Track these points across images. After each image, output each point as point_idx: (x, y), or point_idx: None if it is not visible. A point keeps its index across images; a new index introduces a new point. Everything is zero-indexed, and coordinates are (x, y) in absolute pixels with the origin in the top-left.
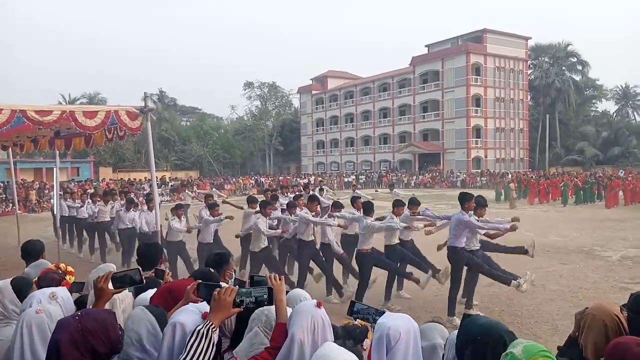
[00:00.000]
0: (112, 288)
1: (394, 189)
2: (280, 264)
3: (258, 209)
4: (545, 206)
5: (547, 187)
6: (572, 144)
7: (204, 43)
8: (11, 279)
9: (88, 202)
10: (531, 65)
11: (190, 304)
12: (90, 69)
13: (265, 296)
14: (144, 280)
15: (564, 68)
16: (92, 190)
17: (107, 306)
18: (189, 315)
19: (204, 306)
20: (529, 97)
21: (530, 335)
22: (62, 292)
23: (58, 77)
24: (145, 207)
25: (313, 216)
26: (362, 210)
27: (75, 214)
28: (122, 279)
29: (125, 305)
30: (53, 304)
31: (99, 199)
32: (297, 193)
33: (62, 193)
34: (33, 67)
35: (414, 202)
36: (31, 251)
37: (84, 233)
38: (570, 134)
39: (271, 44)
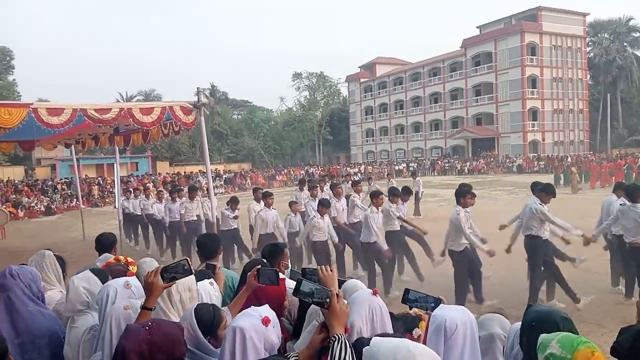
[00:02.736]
0: (162, 282)
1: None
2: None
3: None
4: (608, 190)
5: (610, 170)
6: (636, 124)
7: (251, 35)
8: (88, 269)
9: (167, 199)
10: (590, 43)
11: (252, 307)
12: (145, 67)
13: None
14: (193, 271)
15: (625, 44)
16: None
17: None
18: (250, 320)
19: (266, 310)
20: (588, 76)
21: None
22: (134, 281)
23: (115, 76)
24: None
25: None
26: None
27: (156, 213)
28: (172, 272)
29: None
30: (129, 294)
31: (177, 195)
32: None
33: (130, 190)
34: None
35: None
36: (105, 243)
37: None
38: (634, 114)
39: (320, 32)
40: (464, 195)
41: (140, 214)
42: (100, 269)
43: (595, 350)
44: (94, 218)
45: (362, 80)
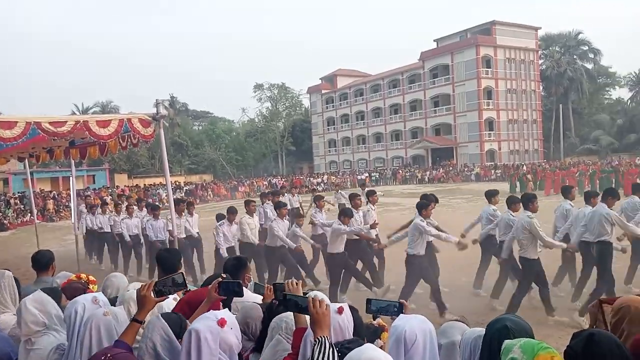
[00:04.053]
0: (154, 296)
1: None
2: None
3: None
4: (561, 197)
5: (563, 177)
6: (586, 133)
7: (212, 46)
8: (39, 289)
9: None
10: (542, 56)
11: (211, 311)
12: (101, 77)
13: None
14: (187, 285)
15: (575, 57)
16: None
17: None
18: (205, 322)
19: (223, 313)
20: (541, 88)
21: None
22: (101, 296)
23: (70, 87)
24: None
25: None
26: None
27: (121, 229)
28: (163, 285)
29: None
30: (97, 308)
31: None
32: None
33: (97, 205)
34: (45, 78)
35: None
36: (42, 261)
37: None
38: (585, 123)
39: (280, 45)
40: (425, 207)
41: (108, 230)
42: (52, 288)
43: (554, 356)
44: (49, 233)
45: (323, 91)
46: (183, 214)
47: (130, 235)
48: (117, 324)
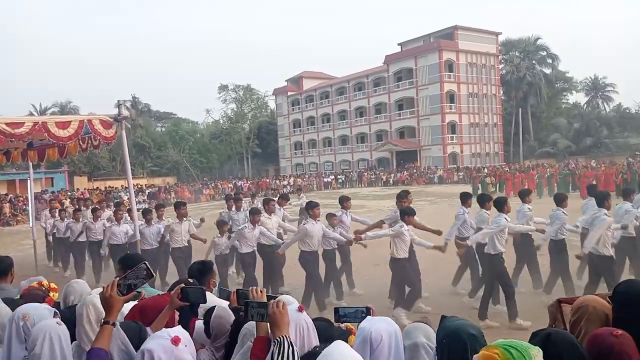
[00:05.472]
0: (120, 295)
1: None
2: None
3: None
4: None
5: (522, 179)
6: (545, 137)
7: (175, 45)
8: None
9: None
10: (502, 60)
11: (162, 329)
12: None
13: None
14: (154, 274)
15: (534, 62)
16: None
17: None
18: (158, 341)
19: (177, 330)
20: (501, 92)
21: None
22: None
23: (27, 86)
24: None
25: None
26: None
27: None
28: (130, 279)
29: None
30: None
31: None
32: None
33: (65, 209)
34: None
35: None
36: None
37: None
38: (543, 127)
39: (245, 46)
40: (408, 214)
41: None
42: (13, 299)
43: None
44: (6, 238)
45: (289, 93)
46: (184, 218)
47: (94, 241)
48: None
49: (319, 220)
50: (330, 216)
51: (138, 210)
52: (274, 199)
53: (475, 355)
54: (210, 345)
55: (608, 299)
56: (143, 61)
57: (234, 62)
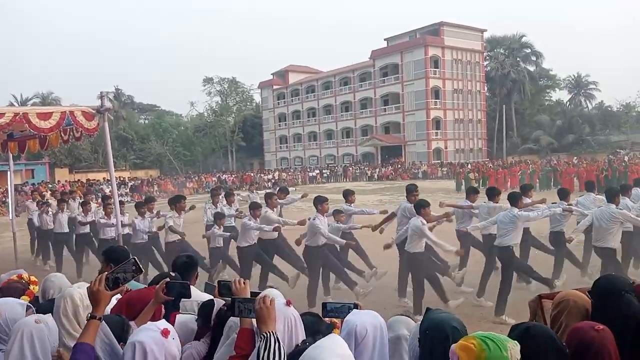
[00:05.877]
0: (108, 290)
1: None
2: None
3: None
4: (504, 194)
5: (505, 175)
6: (528, 133)
7: (161, 35)
8: None
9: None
10: (487, 57)
11: (149, 322)
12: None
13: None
14: (142, 269)
15: (518, 59)
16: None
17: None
18: (148, 333)
19: (164, 323)
20: (485, 88)
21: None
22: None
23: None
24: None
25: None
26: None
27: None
28: (118, 273)
29: None
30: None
31: (147, 209)
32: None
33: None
34: None
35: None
36: None
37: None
38: (526, 123)
39: (232, 38)
40: (424, 206)
41: (67, 231)
42: None
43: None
44: None
45: (275, 87)
46: (182, 212)
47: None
48: (49, 332)
49: (326, 215)
50: (337, 213)
51: (121, 203)
52: (276, 193)
53: (453, 345)
54: (207, 337)
55: (587, 293)
56: (128, 46)
57: (220, 55)
